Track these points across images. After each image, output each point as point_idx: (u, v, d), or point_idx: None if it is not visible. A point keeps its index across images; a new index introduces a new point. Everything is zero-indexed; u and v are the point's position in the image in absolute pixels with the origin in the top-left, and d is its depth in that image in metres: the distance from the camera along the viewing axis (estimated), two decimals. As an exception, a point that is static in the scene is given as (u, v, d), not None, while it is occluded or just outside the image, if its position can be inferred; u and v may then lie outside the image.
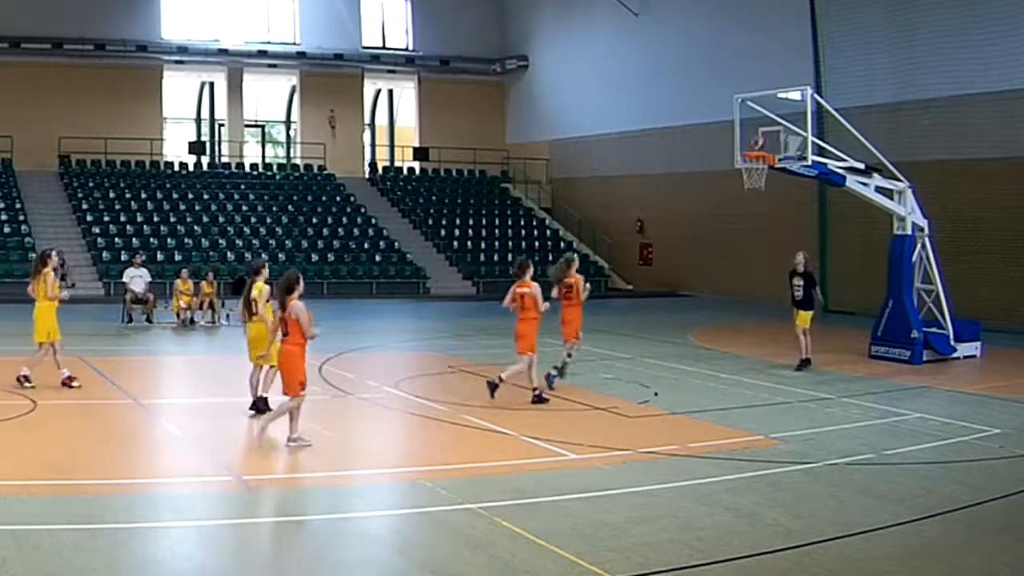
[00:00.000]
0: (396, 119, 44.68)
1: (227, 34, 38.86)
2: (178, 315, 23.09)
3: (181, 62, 38.50)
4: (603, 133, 37.64)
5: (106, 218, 33.81)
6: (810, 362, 17.13)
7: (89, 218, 33.59)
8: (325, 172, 39.97)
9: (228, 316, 22.95)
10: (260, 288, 12.55)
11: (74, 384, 13.86)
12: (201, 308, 23.23)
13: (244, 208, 36.27)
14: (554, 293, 14.17)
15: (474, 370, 16.70)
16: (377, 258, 34.74)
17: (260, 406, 12.31)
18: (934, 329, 18.48)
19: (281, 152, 43.20)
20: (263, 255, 26.47)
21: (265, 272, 12.90)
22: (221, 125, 40.83)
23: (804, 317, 17.20)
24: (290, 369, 10.69)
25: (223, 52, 38.78)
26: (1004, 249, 24.02)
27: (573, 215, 39.25)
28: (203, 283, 23.42)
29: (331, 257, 34.32)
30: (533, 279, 13.70)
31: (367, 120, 43.56)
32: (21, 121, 34.79)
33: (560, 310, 14.33)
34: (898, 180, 18.64)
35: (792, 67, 27.06)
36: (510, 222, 39.13)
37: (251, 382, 12.62)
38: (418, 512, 8.63)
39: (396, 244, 35.83)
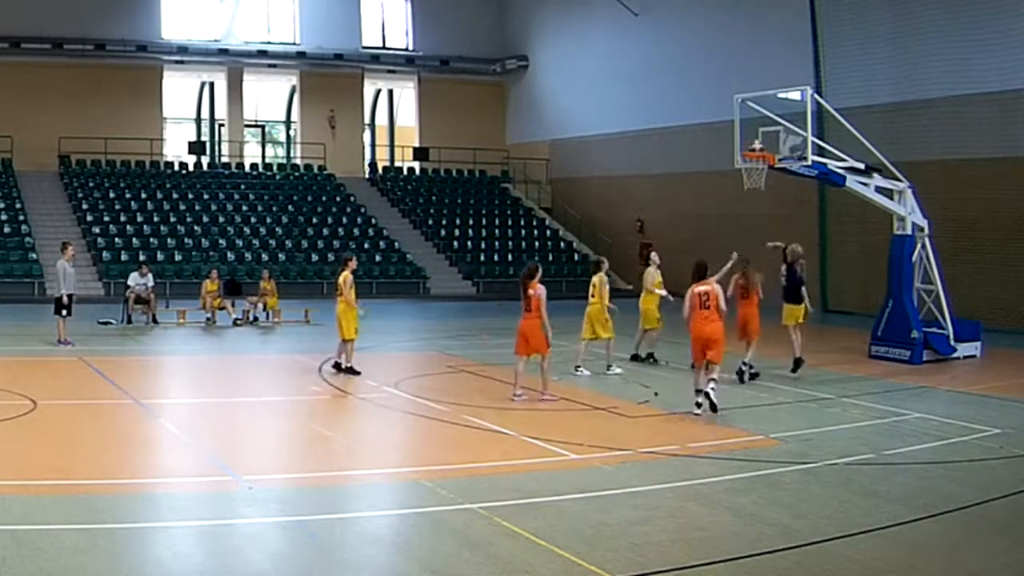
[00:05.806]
0: (396, 119, 44.65)
1: (226, 34, 38.92)
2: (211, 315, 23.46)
3: (181, 62, 38.48)
4: (603, 133, 37.60)
5: (106, 218, 33.79)
6: (802, 361, 16.53)
7: (89, 218, 33.58)
8: (325, 172, 39.94)
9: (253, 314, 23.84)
10: (345, 276, 15.78)
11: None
12: (265, 308, 23.90)
13: (244, 208, 36.25)
14: (729, 293, 14.49)
15: (474, 370, 16.73)
16: (377, 258, 34.70)
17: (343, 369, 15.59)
18: (934, 329, 18.46)
19: (281, 152, 43.17)
20: (258, 255, 26.51)
21: (352, 264, 16.14)
22: (221, 125, 40.80)
23: (791, 312, 16.60)
24: (536, 337, 13.54)
25: (223, 52, 38.77)
26: (1004, 249, 24.00)
27: (573, 215, 39.23)
28: (261, 282, 24.22)
29: (331, 257, 34.29)
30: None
31: (367, 120, 43.52)
32: (21, 121, 34.75)
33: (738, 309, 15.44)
34: (898, 180, 18.63)
35: (792, 67, 27.03)
36: (510, 222, 39.10)
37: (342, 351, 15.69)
38: (418, 512, 8.62)
39: (396, 244, 35.81)
